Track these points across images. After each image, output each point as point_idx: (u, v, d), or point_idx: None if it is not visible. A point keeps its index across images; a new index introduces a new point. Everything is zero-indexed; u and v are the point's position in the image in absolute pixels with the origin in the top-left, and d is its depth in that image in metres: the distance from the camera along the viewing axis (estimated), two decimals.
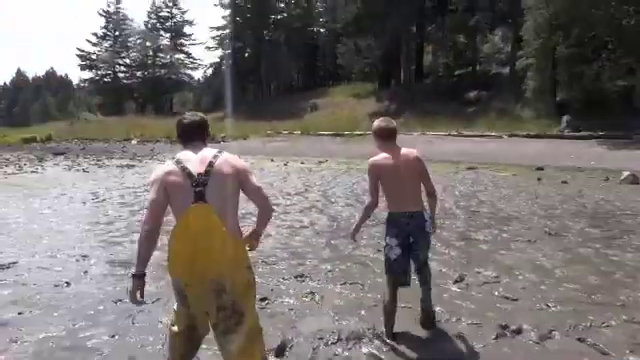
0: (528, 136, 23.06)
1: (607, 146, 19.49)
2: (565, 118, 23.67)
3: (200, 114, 2.73)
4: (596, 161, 16.63)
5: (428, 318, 3.50)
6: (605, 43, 23.59)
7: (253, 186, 2.47)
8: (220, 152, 2.51)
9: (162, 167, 2.53)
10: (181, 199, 2.37)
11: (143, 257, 2.46)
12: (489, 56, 38.86)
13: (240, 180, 2.45)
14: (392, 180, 3.34)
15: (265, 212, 2.54)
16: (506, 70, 34.35)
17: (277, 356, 3.13)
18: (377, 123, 3.53)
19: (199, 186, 2.36)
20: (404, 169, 3.34)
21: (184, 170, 2.40)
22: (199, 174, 2.38)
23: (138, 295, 2.44)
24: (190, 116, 2.69)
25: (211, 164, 2.42)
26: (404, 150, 3.45)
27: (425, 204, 3.47)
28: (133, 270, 2.46)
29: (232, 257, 2.40)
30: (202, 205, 2.34)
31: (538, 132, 23.34)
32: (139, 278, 2.44)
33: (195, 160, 2.45)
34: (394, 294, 3.37)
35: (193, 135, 2.61)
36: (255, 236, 2.57)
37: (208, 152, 2.50)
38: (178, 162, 2.45)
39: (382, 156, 3.40)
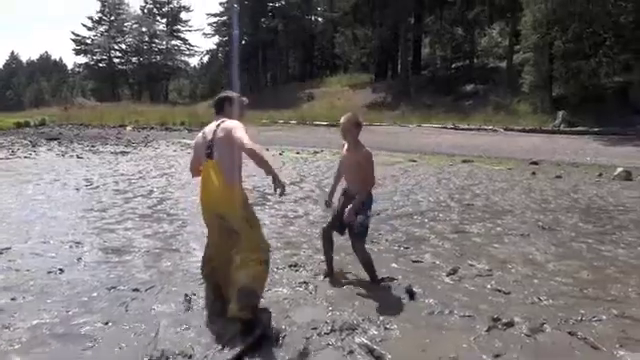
0: (524, 130, 23.16)
1: (602, 142, 19.60)
2: (561, 113, 23.77)
3: (227, 93, 3.65)
4: (591, 157, 16.72)
5: None
6: (603, 39, 23.62)
7: (237, 141, 3.23)
8: (223, 121, 3.43)
9: (198, 135, 3.57)
10: (202, 157, 3.45)
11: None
12: (486, 50, 38.89)
13: (229, 140, 3.26)
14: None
15: (253, 157, 3.17)
16: (503, 64, 34.39)
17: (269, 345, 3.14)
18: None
19: (209, 148, 3.38)
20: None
21: (204, 137, 3.47)
22: (209, 140, 3.39)
23: None
24: (219, 95, 3.67)
25: (215, 132, 3.39)
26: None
27: None
28: None
29: (227, 198, 3.33)
30: (209, 161, 3.37)
31: (534, 127, 23.43)
32: None
33: (210, 129, 3.45)
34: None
35: (217, 109, 3.59)
36: (272, 178, 3.24)
37: (217, 123, 3.44)
38: (202, 131, 3.54)
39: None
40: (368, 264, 4.30)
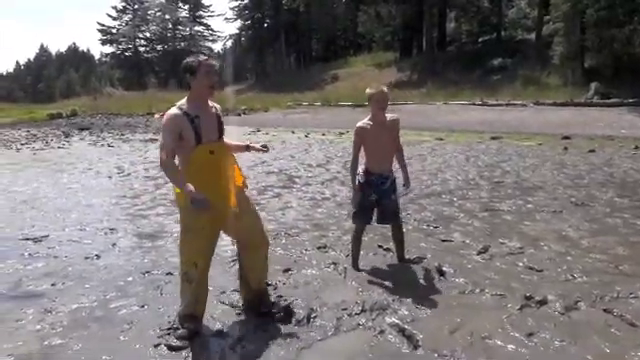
0: (555, 104, 22.44)
1: (638, 113, 18.86)
2: (594, 85, 22.91)
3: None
4: (626, 129, 16.14)
5: None
6: (637, 5, 22.57)
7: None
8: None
9: None
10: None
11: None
12: (514, 22, 37.60)
13: None
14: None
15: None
16: (532, 36, 33.25)
17: (301, 326, 3.18)
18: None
19: None
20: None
21: None
22: None
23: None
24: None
25: None
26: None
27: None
28: None
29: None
30: None
31: (565, 100, 22.67)
32: None
33: None
34: None
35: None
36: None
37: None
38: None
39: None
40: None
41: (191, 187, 2.71)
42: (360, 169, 4.11)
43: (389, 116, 4.03)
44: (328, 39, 55.03)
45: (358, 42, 51.90)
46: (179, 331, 3.03)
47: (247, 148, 3.35)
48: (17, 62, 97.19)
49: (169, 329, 3.12)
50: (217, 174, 3.00)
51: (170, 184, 3.13)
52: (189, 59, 3.01)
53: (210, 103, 3.07)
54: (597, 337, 2.98)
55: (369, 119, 4.00)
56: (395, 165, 4.21)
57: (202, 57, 3.03)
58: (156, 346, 2.94)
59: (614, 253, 4.50)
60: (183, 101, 2.98)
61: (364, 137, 4.00)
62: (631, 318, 3.18)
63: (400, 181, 4.24)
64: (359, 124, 4.04)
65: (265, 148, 3.38)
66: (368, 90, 3.96)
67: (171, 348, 2.90)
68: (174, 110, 2.92)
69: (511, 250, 4.62)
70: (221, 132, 3.06)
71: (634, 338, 2.96)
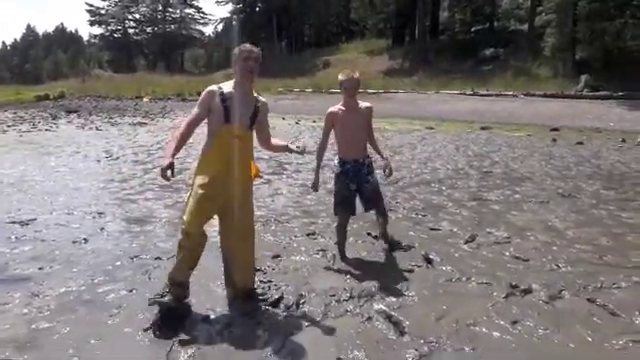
0: (545, 96, 22.58)
1: (626, 107, 19.06)
2: (584, 77, 23.07)
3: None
4: (614, 122, 16.31)
5: None
6: None
7: None
8: None
9: None
10: None
11: None
12: (507, 12, 37.62)
13: None
14: None
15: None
16: (525, 27, 33.31)
17: (290, 309, 3.21)
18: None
19: None
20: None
21: None
22: None
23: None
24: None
25: None
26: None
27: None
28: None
29: None
30: None
31: (555, 92, 22.82)
32: None
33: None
34: None
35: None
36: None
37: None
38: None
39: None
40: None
41: (168, 160, 2.92)
42: (335, 160, 4.09)
43: (362, 104, 4.00)
44: (320, 25, 54.60)
45: (350, 29, 51.57)
46: (165, 298, 3.10)
47: (286, 148, 3.40)
48: (3, 42, 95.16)
49: (159, 295, 3.17)
50: (232, 158, 3.09)
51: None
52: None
53: (255, 94, 3.23)
54: (580, 326, 3.04)
55: (341, 104, 3.98)
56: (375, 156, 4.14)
57: (246, 45, 3.21)
58: (145, 330, 2.94)
59: (598, 244, 4.58)
60: (228, 82, 3.21)
61: (334, 122, 3.96)
62: (613, 308, 3.25)
63: (378, 167, 4.16)
64: (330, 109, 4.01)
65: (299, 149, 3.36)
66: (340, 76, 3.91)
67: (158, 330, 2.93)
68: (212, 87, 3.18)
69: (498, 239, 4.68)
70: (253, 122, 3.17)
71: (615, 327, 3.03)
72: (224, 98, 3.07)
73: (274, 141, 3.41)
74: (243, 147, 3.14)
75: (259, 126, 3.26)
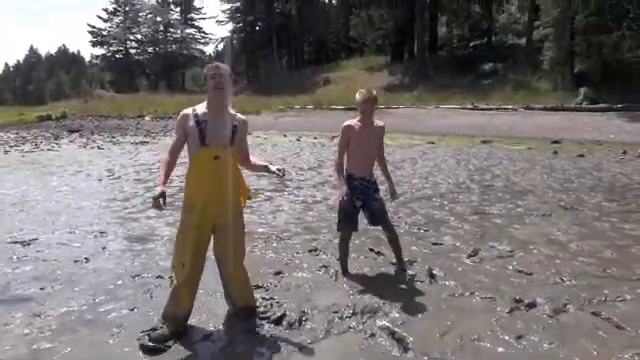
0: (544, 109, 22.66)
1: (626, 119, 19.10)
2: (583, 90, 23.18)
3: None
4: (615, 134, 16.34)
5: None
6: (626, 11, 22.88)
7: None
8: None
9: None
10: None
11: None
12: (505, 27, 38.00)
13: None
14: None
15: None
16: (522, 41, 33.62)
17: (293, 328, 3.18)
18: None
19: None
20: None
21: None
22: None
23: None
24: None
25: None
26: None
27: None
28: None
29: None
30: None
31: (555, 105, 22.91)
32: None
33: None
34: None
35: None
36: None
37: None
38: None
39: None
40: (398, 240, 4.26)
41: (160, 189, 2.93)
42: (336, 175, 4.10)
43: (377, 122, 4.04)
44: (320, 42, 55.14)
45: (350, 46, 52.05)
46: (157, 331, 3.04)
47: (265, 168, 3.32)
48: (6, 64, 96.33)
49: (151, 329, 3.10)
50: (218, 179, 3.04)
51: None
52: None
53: (231, 112, 3.16)
54: (585, 339, 3.00)
55: (358, 120, 4.00)
56: (381, 177, 4.18)
57: (213, 63, 3.24)
58: (146, 349, 2.92)
59: (602, 257, 4.55)
60: (202, 104, 3.15)
61: (350, 136, 3.96)
62: (618, 321, 3.22)
63: (384, 188, 4.21)
64: (347, 122, 4.02)
65: (280, 172, 3.26)
66: (357, 96, 3.93)
67: (147, 349, 2.89)
68: (187, 110, 3.14)
69: (501, 253, 4.66)
70: (232, 140, 3.10)
71: (621, 340, 2.99)
72: (198, 120, 3.03)
73: (253, 159, 3.34)
74: (225, 166, 3.05)
75: (237, 144, 3.17)
